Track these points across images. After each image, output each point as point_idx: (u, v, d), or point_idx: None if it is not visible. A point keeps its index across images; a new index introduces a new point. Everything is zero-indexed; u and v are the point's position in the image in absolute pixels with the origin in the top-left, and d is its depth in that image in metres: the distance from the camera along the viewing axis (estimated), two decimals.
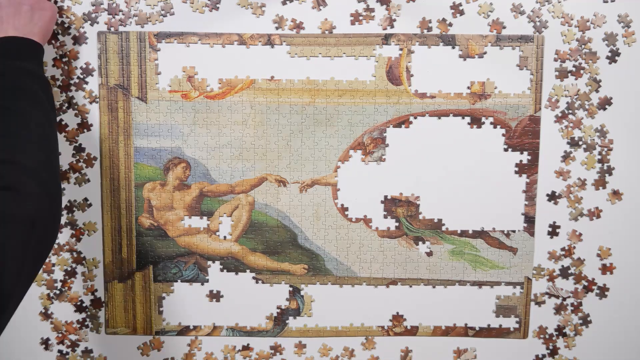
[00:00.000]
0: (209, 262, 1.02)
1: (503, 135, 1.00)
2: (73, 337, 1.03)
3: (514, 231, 1.02)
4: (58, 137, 0.98)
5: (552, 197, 1.01)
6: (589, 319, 1.04)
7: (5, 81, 0.79)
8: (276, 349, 1.04)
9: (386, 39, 0.97)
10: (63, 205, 1.00)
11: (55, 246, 1.01)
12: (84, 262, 1.02)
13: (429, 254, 1.02)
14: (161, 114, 0.99)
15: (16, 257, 0.68)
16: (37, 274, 0.77)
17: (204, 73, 0.98)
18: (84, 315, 1.03)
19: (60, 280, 1.02)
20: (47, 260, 1.01)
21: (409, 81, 0.98)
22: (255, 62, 0.98)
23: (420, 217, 1.01)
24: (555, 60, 0.98)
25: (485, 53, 0.98)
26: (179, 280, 1.03)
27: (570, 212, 1.01)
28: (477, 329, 1.04)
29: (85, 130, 0.99)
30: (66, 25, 0.97)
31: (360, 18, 0.97)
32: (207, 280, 1.03)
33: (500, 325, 1.04)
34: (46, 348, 1.03)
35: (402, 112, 0.99)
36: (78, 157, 1.00)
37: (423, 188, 1.01)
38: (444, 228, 1.02)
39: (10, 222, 0.69)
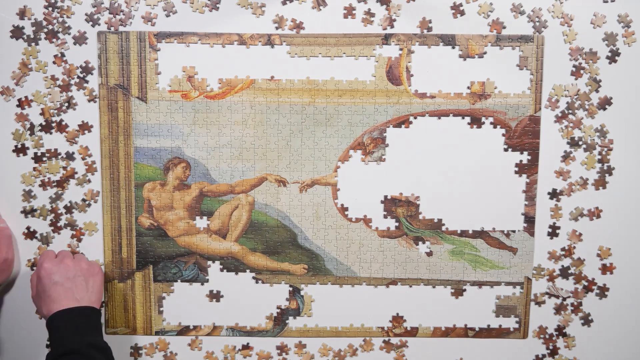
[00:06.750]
0: (209, 262, 1.02)
1: (503, 135, 1.00)
2: None
3: (514, 231, 1.02)
4: (59, 138, 0.99)
5: (552, 197, 1.01)
6: (589, 318, 1.04)
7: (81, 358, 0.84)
8: (282, 349, 1.04)
9: (386, 39, 0.97)
10: (63, 205, 1.00)
11: (56, 247, 1.01)
12: None
13: (429, 254, 1.02)
14: (161, 114, 0.99)
15: None
16: None
17: (204, 73, 0.98)
18: None
19: None
20: None
21: (409, 81, 0.98)
22: (255, 62, 0.98)
23: (420, 217, 1.01)
24: (555, 60, 0.98)
25: (485, 53, 0.98)
26: (179, 280, 1.03)
27: (570, 212, 1.01)
28: (477, 329, 1.04)
29: (85, 130, 0.99)
30: (66, 25, 0.97)
31: (361, 18, 0.97)
32: (207, 280, 1.02)
33: (500, 326, 1.04)
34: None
35: (402, 112, 0.99)
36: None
37: (423, 188, 1.01)
38: (444, 228, 1.02)
39: None
